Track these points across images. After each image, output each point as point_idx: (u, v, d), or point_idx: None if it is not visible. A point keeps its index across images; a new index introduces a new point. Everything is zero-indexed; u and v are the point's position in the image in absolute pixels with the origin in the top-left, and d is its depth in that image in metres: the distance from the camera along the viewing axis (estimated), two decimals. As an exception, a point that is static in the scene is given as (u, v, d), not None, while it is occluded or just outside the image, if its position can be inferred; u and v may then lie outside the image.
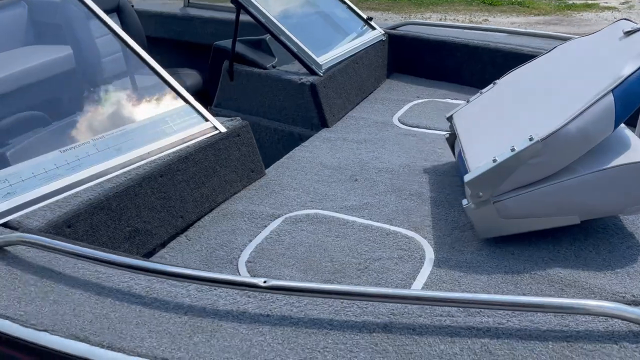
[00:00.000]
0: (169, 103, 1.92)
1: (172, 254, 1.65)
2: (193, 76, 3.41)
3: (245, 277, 1.09)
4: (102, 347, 1.03)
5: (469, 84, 2.76)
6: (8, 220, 1.43)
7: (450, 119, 1.95)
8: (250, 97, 2.60)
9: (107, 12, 3.48)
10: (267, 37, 2.65)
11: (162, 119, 1.84)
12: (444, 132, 2.29)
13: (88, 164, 1.62)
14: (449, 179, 1.93)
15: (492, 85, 1.94)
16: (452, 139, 1.98)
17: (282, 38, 2.45)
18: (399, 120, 2.44)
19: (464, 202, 1.53)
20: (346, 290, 1.05)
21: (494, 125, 1.66)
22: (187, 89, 2.50)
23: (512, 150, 1.43)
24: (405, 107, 2.57)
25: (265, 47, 2.63)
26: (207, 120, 1.92)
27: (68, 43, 2.59)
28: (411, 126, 2.38)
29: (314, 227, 1.70)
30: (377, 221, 1.72)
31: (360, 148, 2.21)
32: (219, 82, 2.71)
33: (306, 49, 2.44)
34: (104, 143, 1.70)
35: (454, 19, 7.45)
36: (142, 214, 1.63)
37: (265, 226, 1.74)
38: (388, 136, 2.30)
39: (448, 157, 2.07)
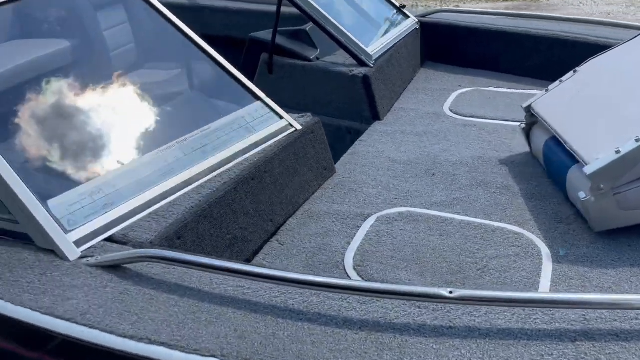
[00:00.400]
0: (243, 101, 1.82)
1: (269, 260, 1.57)
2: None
3: (426, 288, 1.03)
4: None
5: (508, 72, 2.73)
6: (112, 234, 1.31)
7: (528, 109, 1.91)
8: (291, 91, 2.51)
9: (114, 3, 3.31)
10: (308, 27, 2.56)
11: (239, 118, 1.74)
12: (507, 122, 2.25)
13: (178, 169, 1.51)
14: (531, 170, 1.90)
15: (572, 73, 1.91)
16: (528, 130, 1.95)
17: (329, 28, 2.36)
18: (451, 111, 2.39)
19: (581, 195, 1.50)
20: (539, 299, 1.00)
21: (594, 115, 1.63)
22: None
23: (638, 140, 1.40)
24: (452, 97, 2.52)
25: (305, 38, 2.53)
26: (282, 117, 1.82)
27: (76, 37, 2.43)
28: (466, 116, 2.34)
29: (411, 225, 1.64)
30: (474, 217, 1.67)
31: (424, 141, 2.15)
32: (253, 75, 2.60)
33: (355, 39, 2.36)
34: (189, 145, 1.59)
35: (425, 5, 7.42)
36: (239, 220, 1.54)
37: (358, 227, 1.67)
38: (447, 127, 2.25)
39: (519, 147, 2.04)
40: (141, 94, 1.70)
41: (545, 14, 2.82)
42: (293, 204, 1.75)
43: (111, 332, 1.05)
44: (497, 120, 2.28)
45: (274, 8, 3.04)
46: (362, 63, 2.36)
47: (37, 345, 1.12)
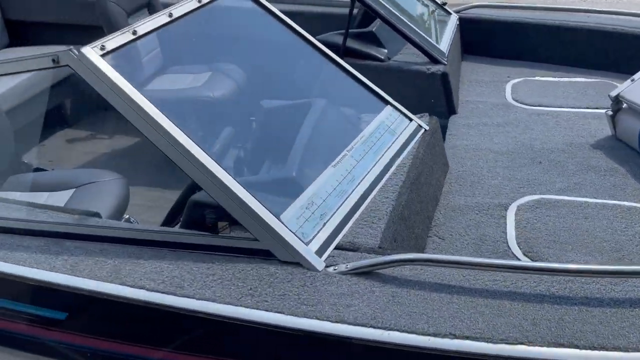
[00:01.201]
0: (377, 106, 1.90)
1: (440, 254, 1.68)
2: (236, 71, 3.30)
3: None
4: None
5: (547, 62, 2.94)
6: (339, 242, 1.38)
7: (617, 97, 2.12)
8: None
9: (140, 8, 3.25)
10: (374, 28, 2.65)
11: (382, 123, 1.83)
12: (575, 109, 2.45)
13: (358, 176, 1.59)
14: (624, 153, 2.10)
15: None
16: (613, 116, 2.16)
17: (402, 27, 2.47)
18: (516, 101, 2.57)
19: None
20: None
21: None
22: None
23: None
24: (508, 88, 2.70)
25: (373, 39, 2.62)
26: (411, 119, 1.93)
27: None
28: (533, 105, 2.52)
29: (554, 212, 1.80)
30: (604, 199, 1.85)
31: (509, 131, 2.32)
32: None
33: (428, 38, 2.49)
34: (357, 153, 1.67)
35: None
36: (416, 220, 1.64)
37: (503, 216, 1.81)
38: (522, 117, 2.42)
39: (603, 133, 2.24)
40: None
41: (575, 7, 3.06)
42: (435, 200, 1.87)
43: (412, 332, 1.13)
44: (564, 107, 2.48)
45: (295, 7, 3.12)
46: (435, 60, 2.50)
47: (329, 354, 1.19)
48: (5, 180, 2.34)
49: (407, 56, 2.59)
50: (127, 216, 1.84)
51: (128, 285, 1.28)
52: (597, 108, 2.43)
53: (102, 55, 1.38)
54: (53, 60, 1.38)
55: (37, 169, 2.45)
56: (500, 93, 2.67)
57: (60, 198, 2.23)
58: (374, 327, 1.15)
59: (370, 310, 1.19)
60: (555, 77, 2.79)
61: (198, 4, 1.72)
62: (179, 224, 1.70)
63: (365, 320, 1.16)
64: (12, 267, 1.36)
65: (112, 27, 2.90)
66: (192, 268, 1.32)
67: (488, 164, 2.10)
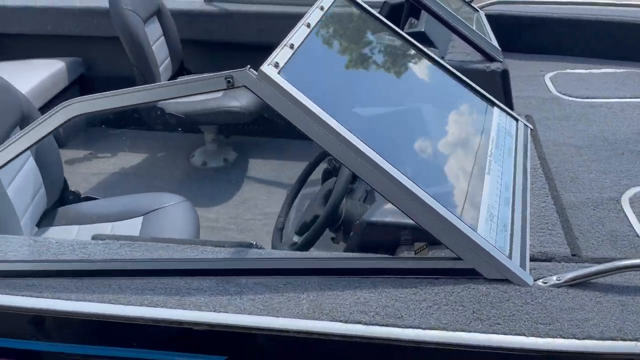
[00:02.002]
0: (487, 106, 1.87)
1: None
2: None
3: None
4: None
5: (572, 54, 3.03)
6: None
7: None
8: (415, 92, 2.56)
9: (152, 15, 3.05)
10: (422, 28, 2.61)
11: (500, 125, 1.80)
12: (623, 99, 2.53)
13: (509, 181, 1.55)
14: None
15: None
16: None
17: (459, 26, 2.46)
18: (563, 94, 2.62)
19: None
20: None
21: None
22: None
23: None
24: (547, 81, 2.75)
25: (423, 39, 2.58)
26: (517, 119, 1.91)
27: None
28: (582, 98, 2.58)
29: None
30: None
31: (574, 125, 2.35)
32: None
33: (485, 36, 2.48)
34: (496, 157, 1.63)
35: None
36: (567, 222, 1.62)
37: (620, 210, 1.82)
38: (579, 110, 2.47)
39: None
40: (459, 111, 1.69)
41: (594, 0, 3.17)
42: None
43: None
44: (612, 98, 2.56)
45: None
46: (490, 58, 2.50)
47: None
48: (56, 213, 2.13)
49: (459, 55, 2.58)
50: (254, 242, 1.70)
51: (340, 321, 1.18)
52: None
53: (278, 73, 1.26)
54: (228, 82, 1.24)
55: (87, 198, 2.23)
56: (543, 87, 2.71)
57: (129, 228, 2.05)
58: (624, 340, 1.12)
59: (612, 322, 1.16)
60: (586, 70, 2.88)
61: (322, 12, 1.62)
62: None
63: (612, 333, 1.13)
64: (200, 314, 1.21)
65: (131, 36, 2.70)
66: (398, 295, 1.23)
67: (574, 158, 2.12)
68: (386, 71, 1.93)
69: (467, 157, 1.56)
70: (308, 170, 2.00)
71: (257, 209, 2.90)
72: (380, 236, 1.42)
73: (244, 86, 1.25)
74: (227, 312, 1.22)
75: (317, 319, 1.20)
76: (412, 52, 1.92)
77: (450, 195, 1.36)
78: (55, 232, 2.03)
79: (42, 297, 1.27)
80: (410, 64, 2.03)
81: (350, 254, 1.33)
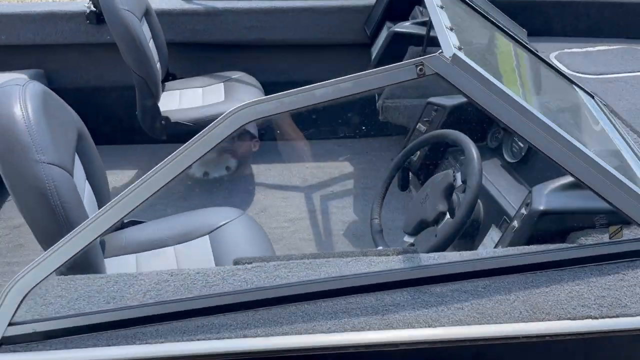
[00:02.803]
0: (576, 89, 1.86)
1: None
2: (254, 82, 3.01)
3: None
4: None
5: (564, 35, 3.13)
6: None
7: None
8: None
9: (144, 14, 2.79)
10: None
11: (592, 103, 1.80)
12: (631, 74, 2.64)
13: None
14: None
15: None
16: None
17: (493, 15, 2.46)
18: (576, 71, 2.70)
19: None
20: None
21: None
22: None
23: None
24: (554, 61, 2.82)
25: (448, 26, 2.55)
26: (592, 96, 1.92)
27: None
28: (595, 74, 2.67)
29: None
30: None
31: (608, 101, 2.42)
32: None
33: (511, 24, 2.51)
34: (613, 135, 1.62)
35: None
36: None
37: None
38: (598, 86, 2.55)
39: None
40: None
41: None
42: None
43: None
44: (622, 73, 2.67)
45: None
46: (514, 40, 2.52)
47: None
48: (103, 243, 1.87)
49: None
50: (414, 246, 1.55)
51: (570, 319, 1.11)
52: None
53: None
54: (420, 70, 1.12)
55: (131, 222, 1.98)
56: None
57: (199, 249, 1.86)
58: None
59: None
60: (582, 49, 2.99)
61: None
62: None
63: None
64: (429, 332, 1.09)
65: (132, 39, 2.44)
66: (606, 284, 1.18)
67: None
68: (514, 59, 1.87)
69: (598, 137, 1.54)
70: (393, 171, 1.89)
71: (279, 216, 2.74)
72: (552, 225, 1.36)
73: (436, 73, 1.13)
74: (454, 325, 1.11)
75: (542, 320, 1.12)
76: (513, 41, 1.87)
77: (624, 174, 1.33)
78: (113, 265, 1.78)
79: (227, 338, 1.09)
80: (522, 52, 1.99)
81: (538, 247, 1.26)
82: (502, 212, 1.64)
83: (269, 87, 3.05)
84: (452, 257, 1.26)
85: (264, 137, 3.18)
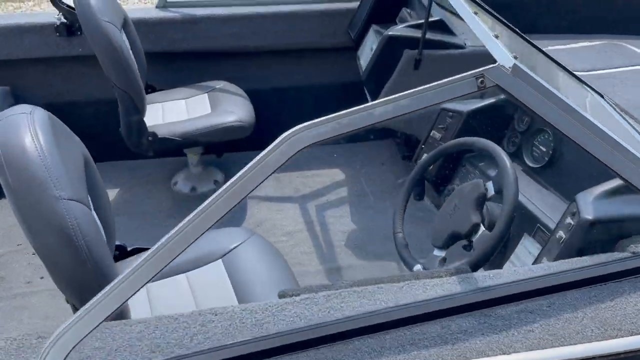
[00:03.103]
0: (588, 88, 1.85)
1: None
2: (239, 91, 2.91)
3: None
4: None
5: (545, 32, 3.14)
6: None
7: None
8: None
9: (123, 26, 2.66)
10: (440, 16, 2.53)
11: (603, 101, 1.79)
12: (616, 70, 2.67)
13: None
14: None
15: None
16: None
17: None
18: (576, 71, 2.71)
19: None
20: None
21: None
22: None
23: None
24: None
25: (443, 27, 2.51)
26: (601, 95, 1.91)
27: None
28: (584, 71, 2.69)
29: None
30: None
31: (608, 94, 2.43)
32: (387, 75, 2.47)
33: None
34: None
35: None
36: None
37: None
38: (590, 82, 2.57)
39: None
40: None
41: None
42: None
43: None
44: (609, 69, 2.70)
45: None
46: (509, 42, 2.51)
47: None
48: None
49: (476, 40, 2.56)
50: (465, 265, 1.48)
51: None
52: (634, 65, 2.70)
53: None
54: (481, 82, 1.05)
55: (137, 250, 1.86)
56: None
57: (213, 275, 1.77)
58: None
59: None
60: (565, 45, 3.02)
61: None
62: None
63: None
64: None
65: (115, 52, 2.30)
66: None
67: None
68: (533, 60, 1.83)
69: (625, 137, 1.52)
70: (413, 181, 1.83)
71: (276, 229, 2.65)
72: (602, 234, 1.33)
73: (497, 85, 1.07)
74: (528, 350, 1.06)
75: (615, 337, 1.08)
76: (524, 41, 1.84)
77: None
78: (123, 298, 1.65)
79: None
80: (534, 52, 1.95)
81: (593, 259, 1.21)
82: (534, 219, 1.61)
83: (253, 96, 2.95)
84: (509, 275, 1.21)
85: (251, 147, 3.07)
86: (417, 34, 2.43)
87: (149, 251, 0.98)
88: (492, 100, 1.88)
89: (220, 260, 1.80)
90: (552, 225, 1.57)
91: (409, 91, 1.05)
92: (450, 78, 1.07)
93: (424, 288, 1.20)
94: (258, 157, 1.01)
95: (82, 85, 2.97)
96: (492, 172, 1.77)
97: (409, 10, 2.79)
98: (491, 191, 1.54)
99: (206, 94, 2.89)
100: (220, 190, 1.01)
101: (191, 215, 1.00)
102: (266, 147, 1.02)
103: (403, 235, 1.73)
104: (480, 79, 1.06)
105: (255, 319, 1.13)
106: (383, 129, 3.25)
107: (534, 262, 1.50)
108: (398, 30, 2.46)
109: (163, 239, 0.98)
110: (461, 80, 1.07)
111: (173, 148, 2.60)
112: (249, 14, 2.95)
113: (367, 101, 2.86)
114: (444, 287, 1.20)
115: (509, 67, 1.08)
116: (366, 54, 2.84)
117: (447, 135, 1.88)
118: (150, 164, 3.06)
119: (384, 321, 1.11)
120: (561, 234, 1.42)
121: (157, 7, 3.00)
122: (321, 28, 3.01)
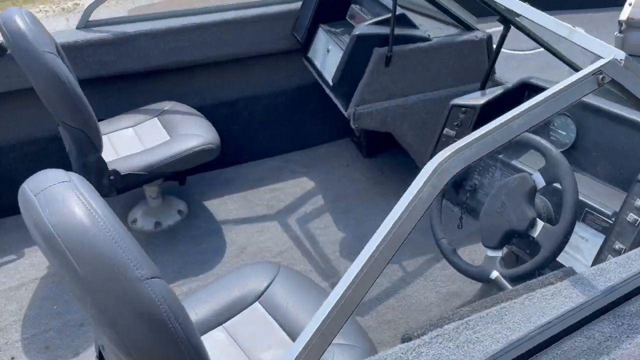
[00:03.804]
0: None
1: None
2: (191, 110, 2.69)
3: None
4: None
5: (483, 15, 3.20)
6: None
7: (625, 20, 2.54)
8: (409, 77, 2.44)
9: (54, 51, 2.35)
10: (403, 11, 2.46)
11: None
12: None
13: None
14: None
15: None
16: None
17: (443, 2, 2.42)
18: (515, 50, 2.79)
19: None
20: None
21: None
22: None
23: None
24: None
25: (407, 22, 2.45)
26: None
27: None
28: (531, 49, 2.78)
29: None
30: None
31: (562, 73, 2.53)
32: (359, 74, 2.38)
33: (460, 11, 2.48)
34: None
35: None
36: None
37: None
38: (544, 59, 2.65)
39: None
40: None
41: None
42: None
43: None
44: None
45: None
46: (470, 28, 2.52)
47: None
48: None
49: (439, 30, 2.54)
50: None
51: None
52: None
53: None
54: (601, 78, 1.00)
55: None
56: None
57: (252, 319, 1.63)
58: None
59: None
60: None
61: None
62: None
63: None
64: None
65: (59, 83, 2.01)
66: None
67: None
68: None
69: None
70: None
71: (264, 252, 2.48)
72: None
73: (612, 80, 1.03)
74: None
75: None
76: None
77: None
78: None
79: None
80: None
81: None
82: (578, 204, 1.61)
83: (204, 112, 2.74)
84: (616, 269, 1.18)
85: (209, 166, 2.86)
86: (384, 30, 2.37)
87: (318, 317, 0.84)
88: (500, 91, 1.86)
89: (257, 302, 1.63)
90: (598, 207, 1.57)
91: (538, 100, 0.98)
92: (571, 80, 1.01)
93: (545, 299, 1.14)
94: (409, 196, 0.89)
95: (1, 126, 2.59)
96: (517, 164, 1.75)
97: (358, 7, 2.72)
98: (541, 183, 1.51)
99: (156, 118, 2.62)
100: (377, 236, 0.87)
101: (353, 269, 0.86)
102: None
103: (447, 241, 1.67)
104: (602, 76, 1.02)
105: None
106: (338, 129, 3.17)
107: (602, 247, 1.50)
108: (365, 28, 2.38)
109: (332, 297, 0.84)
110: (582, 80, 1.01)
111: (137, 184, 2.33)
112: (187, 26, 2.71)
113: (331, 103, 2.78)
114: (562, 293, 1.15)
115: (621, 60, 1.04)
116: (320, 55, 2.73)
117: (462, 131, 1.83)
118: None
119: (531, 347, 1.04)
120: (633, 216, 1.43)
121: (77, 28, 2.68)
122: (264, 33, 2.85)
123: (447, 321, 1.11)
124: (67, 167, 2.62)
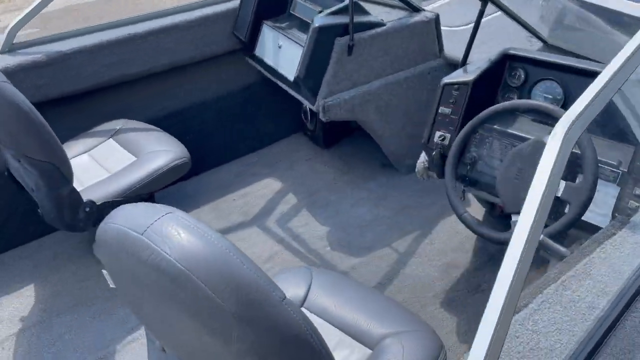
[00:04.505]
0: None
1: None
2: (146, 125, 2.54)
3: None
4: None
5: None
6: None
7: None
8: (371, 63, 2.47)
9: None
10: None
11: None
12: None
13: None
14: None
15: None
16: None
17: None
18: (451, 26, 2.89)
19: None
20: None
21: None
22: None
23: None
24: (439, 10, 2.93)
25: (359, 9, 2.46)
26: None
27: None
28: (464, 25, 2.90)
29: None
30: None
31: (494, 44, 2.65)
32: (324, 65, 2.37)
33: None
34: None
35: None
36: None
37: None
38: (486, 32, 2.77)
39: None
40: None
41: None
42: None
43: None
44: (486, 17, 2.95)
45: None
46: (416, 9, 2.58)
47: None
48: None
49: (388, 15, 2.58)
50: None
51: None
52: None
53: None
54: None
55: None
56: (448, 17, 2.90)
57: None
58: None
59: None
60: (436, 4, 3.21)
61: None
62: None
63: None
64: None
65: (23, 115, 1.82)
66: None
67: None
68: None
69: None
70: (455, 157, 1.80)
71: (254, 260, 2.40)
72: None
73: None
74: None
75: None
76: None
77: None
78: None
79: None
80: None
81: None
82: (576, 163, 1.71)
83: (157, 125, 2.59)
84: None
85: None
86: (343, 20, 2.37)
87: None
88: (485, 64, 1.93)
89: (302, 308, 1.58)
90: (603, 159, 1.69)
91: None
92: None
93: (618, 249, 1.22)
94: (544, 170, 0.90)
95: None
96: (515, 131, 1.83)
97: (302, -2, 2.69)
98: None
99: (111, 139, 2.44)
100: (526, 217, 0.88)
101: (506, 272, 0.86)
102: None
103: (469, 213, 1.72)
104: None
105: None
106: (290, 125, 3.13)
107: (621, 195, 1.61)
108: (324, 19, 2.36)
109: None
110: None
111: (109, 211, 2.15)
112: (124, 37, 2.53)
113: (280, 99, 2.74)
114: (629, 241, 1.23)
115: None
116: (271, 52, 2.68)
117: (457, 108, 1.89)
118: (51, 240, 2.51)
119: (630, 296, 1.10)
120: None
121: (1, 52, 2.41)
122: (205, 37, 2.74)
123: (544, 286, 1.15)
124: (20, 206, 2.40)
